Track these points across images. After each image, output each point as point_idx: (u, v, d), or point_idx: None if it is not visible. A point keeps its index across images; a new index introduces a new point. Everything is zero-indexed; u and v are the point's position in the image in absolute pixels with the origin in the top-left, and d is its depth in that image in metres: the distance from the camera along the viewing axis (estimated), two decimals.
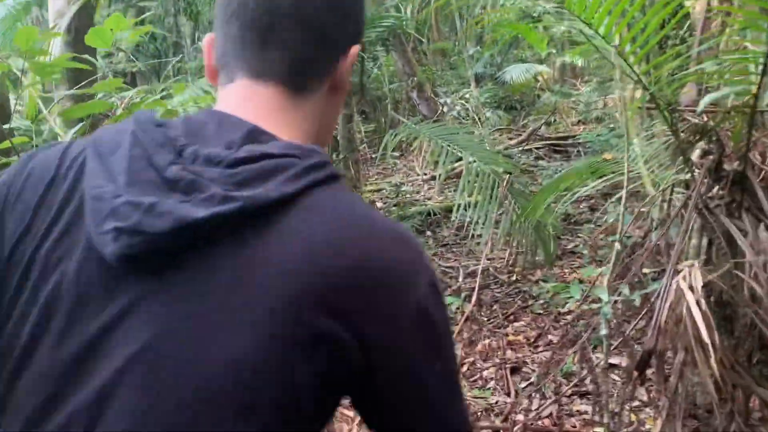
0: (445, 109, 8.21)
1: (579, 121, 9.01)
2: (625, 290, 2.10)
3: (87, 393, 0.61)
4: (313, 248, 0.62)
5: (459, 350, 3.59)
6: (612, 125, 7.00)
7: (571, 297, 3.67)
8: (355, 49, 0.77)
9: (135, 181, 0.62)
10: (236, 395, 0.59)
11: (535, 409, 2.88)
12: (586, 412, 2.83)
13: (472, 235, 5.49)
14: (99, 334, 0.61)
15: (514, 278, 4.61)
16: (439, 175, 4.21)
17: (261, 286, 0.60)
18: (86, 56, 1.90)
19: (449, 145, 4.28)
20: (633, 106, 2.75)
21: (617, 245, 2.15)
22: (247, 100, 0.71)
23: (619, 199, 4.12)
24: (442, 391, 0.69)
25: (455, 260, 5.12)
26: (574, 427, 2.77)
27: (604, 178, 3.20)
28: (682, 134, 2.44)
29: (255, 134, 0.66)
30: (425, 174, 7.77)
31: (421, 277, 0.67)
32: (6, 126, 2.42)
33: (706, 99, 2.03)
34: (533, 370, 3.34)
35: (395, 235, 0.67)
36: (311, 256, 0.61)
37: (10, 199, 0.69)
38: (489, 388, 3.30)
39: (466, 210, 4.39)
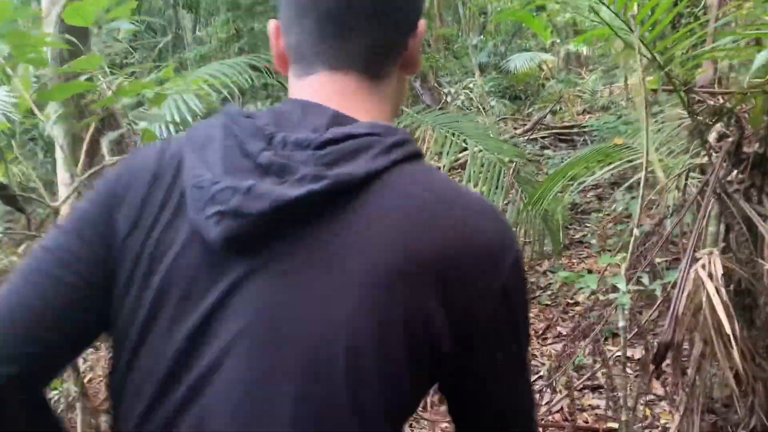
0: (449, 98, 8.09)
1: (584, 110, 8.88)
2: (645, 279, 1.99)
3: (198, 371, 0.65)
4: (404, 223, 0.65)
5: None
6: (619, 113, 6.88)
7: (582, 287, 3.56)
8: (422, 24, 0.78)
9: (231, 169, 0.65)
10: (341, 366, 0.63)
11: (546, 404, 2.77)
12: (598, 407, 2.73)
13: None
14: (206, 315, 0.66)
15: None
16: (443, 165, 4.09)
17: (358, 260, 0.64)
18: (68, 35, 1.80)
19: (454, 134, 4.16)
20: (650, 85, 2.63)
21: (636, 231, 2.04)
22: (327, 89, 0.73)
23: (629, 187, 4.02)
24: (514, 373, 0.72)
25: None
26: (587, 422, 2.67)
27: (615, 164, 3.08)
28: (698, 116, 2.33)
29: (339, 118, 0.69)
30: None
31: (509, 255, 0.68)
32: None
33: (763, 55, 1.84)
34: (542, 364, 3.24)
35: (486, 211, 0.69)
36: (404, 231, 0.65)
37: (117, 198, 0.72)
38: None
39: None
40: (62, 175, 3.86)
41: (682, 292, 2.09)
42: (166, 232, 0.69)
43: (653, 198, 3.13)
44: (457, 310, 0.65)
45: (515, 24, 10.61)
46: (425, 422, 2.75)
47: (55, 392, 3.94)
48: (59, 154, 3.78)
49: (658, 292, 2.01)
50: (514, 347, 0.71)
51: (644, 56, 2.10)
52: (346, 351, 0.63)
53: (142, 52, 6.89)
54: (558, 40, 10.64)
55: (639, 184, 3.49)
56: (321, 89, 0.73)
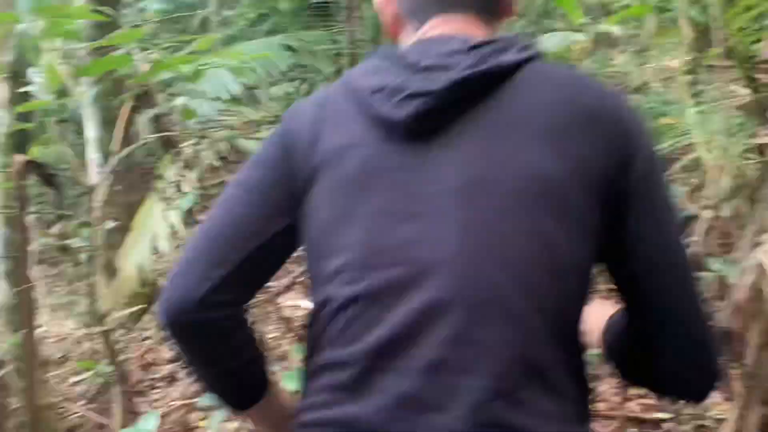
0: None
1: None
2: (717, 265, 1.89)
3: (410, 237, 0.74)
4: (562, 89, 0.78)
5: None
6: (657, 93, 6.69)
7: None
8: None
9: (402, 73, 0.78)
10: (540, 200, 0.73)
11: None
12: (646, 396, 2.64)
13: None
14: (404, 192, 0.75)
15: None
16: None
17: (530, 119, 0.75)
18: (106, 8, 1.72)
19: None
20: (704, 61, 2.50)
21: (706, 214, 1.94)
22: (446, 28, 0.84)
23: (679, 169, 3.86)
24: (673, 227, 0.79)
25: None
26: (635, 412, 2.57)
27: (661, 145, 2.95)
28: (760, 92, 2.20)
29: (469, 38, 0.80)
30: None
31: (645, 125, 0.81)
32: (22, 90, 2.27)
33: None
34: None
35: (618, 93, 0.81)
36: (564, 93, 0.77)
37: (289, 132, 0.85)
38: None
39: None
40: (93, 156, 3.83)
41: (744, 280, 1.99)
42: (344, 136, 0.79)
43: (698, 181, 3.00)
44: (623, 156, 0.76)
45: (544, 4, 10.42)
46: None
47: (89, 374, 3.94)
48: (91, 134, 3.74)
49: (733, 278, 1.90)
50: (668, 203, 0.79)
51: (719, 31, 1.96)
52: (543, 190, 0.73)
53: (171, 33, 6.83)
54: (588, 20, 10.41)
55: (681, 168, 3.34)
56: (440, 28, 0.84)
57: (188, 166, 2.02)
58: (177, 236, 3.65)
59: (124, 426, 2.19)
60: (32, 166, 1.68)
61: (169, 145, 2.16)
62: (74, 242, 3.33)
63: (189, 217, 2.46)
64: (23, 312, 1.62)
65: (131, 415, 3.56)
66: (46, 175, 1.79)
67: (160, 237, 3.41)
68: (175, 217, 3.41)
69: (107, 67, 1.53)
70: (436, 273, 0.72)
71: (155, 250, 3.51)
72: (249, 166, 0.88)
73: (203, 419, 3.28)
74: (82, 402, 3.67)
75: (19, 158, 1.65)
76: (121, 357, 4.24)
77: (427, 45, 0.81)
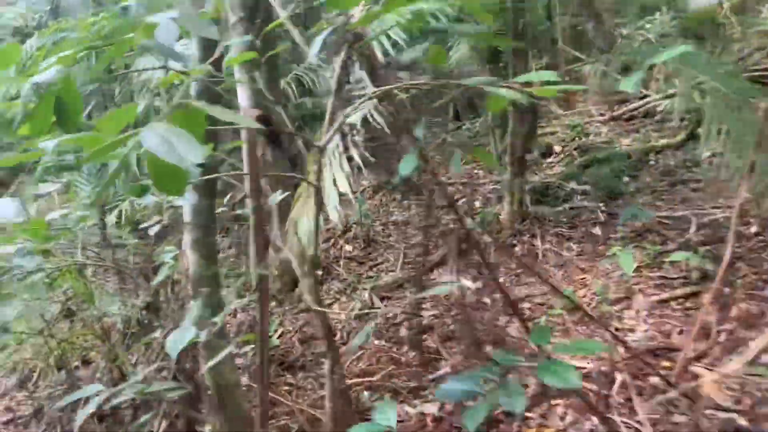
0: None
1: None
2: None
3: None
4: None
5: (711, 316, 2.98)
6: None
7: None
8: None
9: None
10: None
11: None
12: None
13: (683, 181, 4.80)
14: None
15: (755, 230, 3.86)
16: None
17: None
18: None
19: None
20: None
21: None
22: None
23: None
24: None
25: (669, 209, 4.43)
26: None
27: None
28: None
29: None
30: (602, 115, 6.99)
31: None
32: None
33: None
34: None
35: None
36: None
37: None
38: (762, 364, 2.69)
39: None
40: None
41: None
42: None
43: None
44: None
45: None
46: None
47: (249, 348, 3.83)
48: (244, 101, 3.58)
49: None
50: None
51: None
52: None
53: None
54: None
55: None
56: None
57: (408, 122, 1.76)
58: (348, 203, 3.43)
59: (335, 416, 1.97)
60: (263, 121, 1.44)
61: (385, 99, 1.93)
62: (244, 212, 3.17)
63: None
64: (261, 293, 1.40)
65: (292, 389, 3.43)
66: (274, 133, 1.55)
67: (329, 206, 3.21)
68: (346, 185, 3.20)
69: (351, 4, 1.28)
70: None
71: (322, 222, 3.31)
72: None
73: (376, 399, 3.09)
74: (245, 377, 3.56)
75: (252, 112, 1.42)
76: (279, 331, 4.12)
77: None
